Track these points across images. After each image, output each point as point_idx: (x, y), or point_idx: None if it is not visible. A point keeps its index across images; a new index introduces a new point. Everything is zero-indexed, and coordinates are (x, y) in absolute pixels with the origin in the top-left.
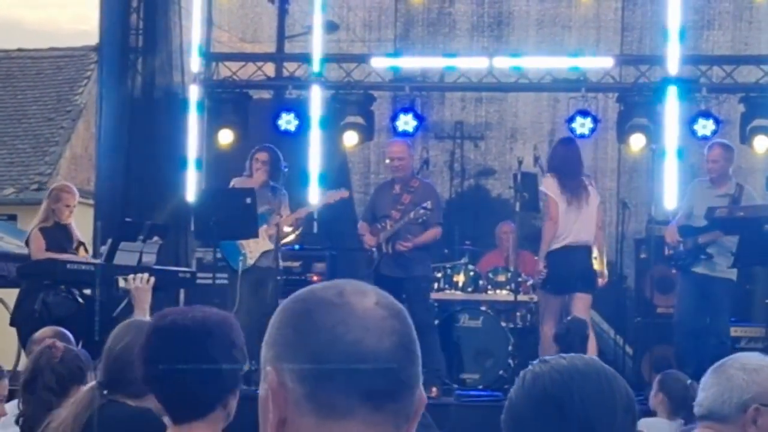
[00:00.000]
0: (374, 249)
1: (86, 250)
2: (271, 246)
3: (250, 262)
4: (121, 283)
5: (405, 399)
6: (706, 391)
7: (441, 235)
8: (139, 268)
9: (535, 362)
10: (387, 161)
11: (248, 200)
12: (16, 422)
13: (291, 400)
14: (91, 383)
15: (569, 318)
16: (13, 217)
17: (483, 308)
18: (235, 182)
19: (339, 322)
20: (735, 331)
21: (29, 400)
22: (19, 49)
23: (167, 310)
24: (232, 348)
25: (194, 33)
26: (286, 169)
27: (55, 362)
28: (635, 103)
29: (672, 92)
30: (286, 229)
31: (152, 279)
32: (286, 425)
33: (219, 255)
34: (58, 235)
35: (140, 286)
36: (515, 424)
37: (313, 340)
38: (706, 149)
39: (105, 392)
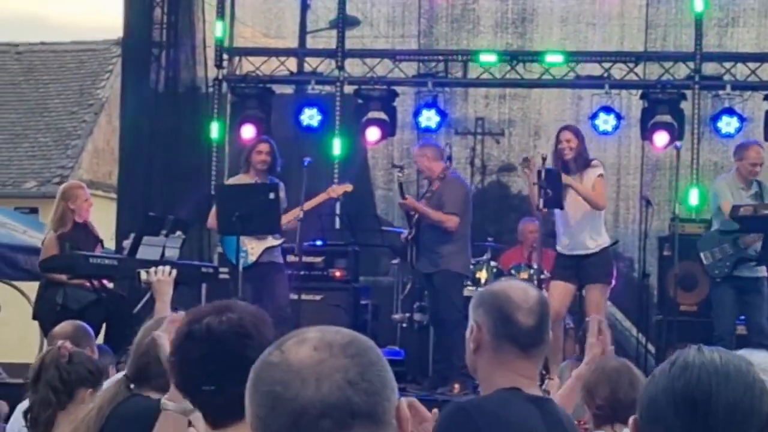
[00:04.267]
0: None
1: (102, 248)
2: (273, 242)
3: (252, 258)
4: (143, 276)
5: (369, 427)
6: None
7: (453, 225)
8: (162, 262)
9: (693, 347)
10: None
11: (271, 195)
12: (24, 417)
13: None
14: (117, 376)
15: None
16: (35, 210)
17: None
18: (232, 181)
19: (277, 382)
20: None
21: (33, 398)
22: (42, 43)
23: (198, 312)
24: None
25: (218, 28)
26: (308, 164)
27: (62, 362)
28: (659, 101)
29: (696, 90)
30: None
31: (174, 271)
32: None
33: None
34: (77, 237)
35: (162, 278)
36: (650, 402)
37: (262, 406)
38: (740, 149)
39: (131, 386)
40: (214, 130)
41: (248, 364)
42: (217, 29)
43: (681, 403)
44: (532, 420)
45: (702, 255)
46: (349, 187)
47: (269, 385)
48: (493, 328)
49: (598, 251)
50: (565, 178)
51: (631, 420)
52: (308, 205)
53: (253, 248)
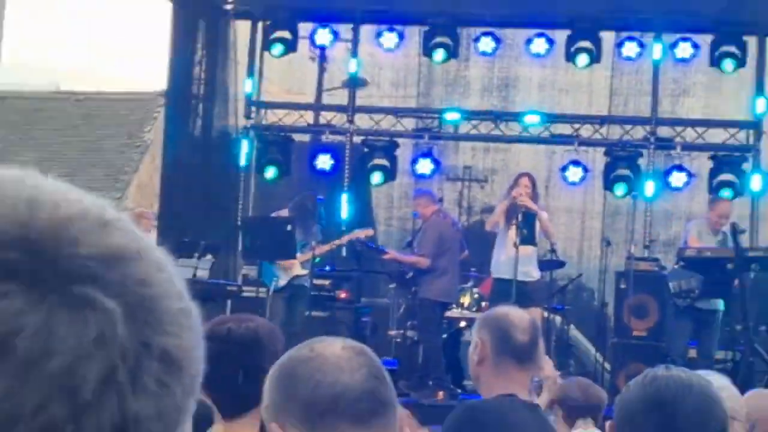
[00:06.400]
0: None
1: None
2: (302, 272)
3: (282, 283)
4: None
5: (388, 415)
6: None
7: (422, 264)
8: (194, 281)
9: (660, 366)
10: None
11: (288, 227)
12: None
13: None
14: None
15: None
16: None
17: None
18: (274, 215)
19: (316, 371)
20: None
21: None
22: (98, 92)
23: (223, 318)
24: (275, 357)
25: (247, 85)
26: (322, 202)
27: None
28: (620, 157)
29: (651, 149)
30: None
31: None
32: None
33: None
34: None
35: None
36: (624, 411)
37: (301, 390)
38: (713, 202)
39: None
40: (242, 171)
41: (258, 366)
42: (246, 86)
43: (651, 404)
44: (527, 420)
45: (671, 284)
46: (370, 232)
47: (309, 374)
48: (495, 345)
49: (537, 281)
50: (539, 213)
51: (607, 425)
52: (336, 243)
53: (285, 275)
